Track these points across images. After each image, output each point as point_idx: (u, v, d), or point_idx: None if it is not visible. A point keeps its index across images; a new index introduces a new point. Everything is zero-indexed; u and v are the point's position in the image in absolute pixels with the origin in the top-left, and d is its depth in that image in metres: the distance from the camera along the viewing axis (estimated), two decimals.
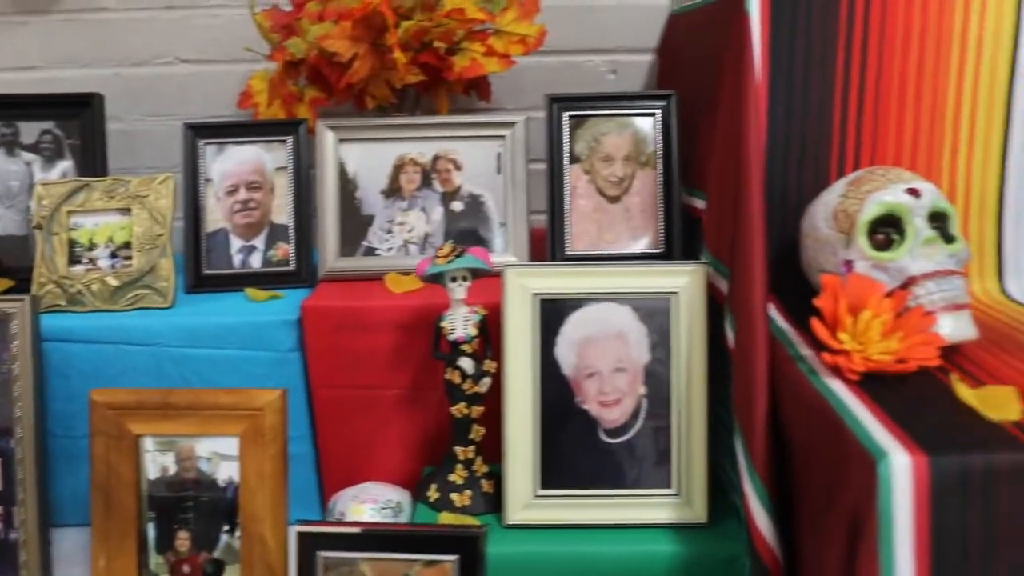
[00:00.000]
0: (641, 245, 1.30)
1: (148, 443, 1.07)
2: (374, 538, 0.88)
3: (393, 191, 1.32)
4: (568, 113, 1.30)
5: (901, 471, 0.70)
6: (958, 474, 0.70)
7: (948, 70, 1.09)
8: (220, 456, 1.08)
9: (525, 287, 1.10)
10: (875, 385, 0.83)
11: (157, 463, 1.08)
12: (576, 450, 1.11)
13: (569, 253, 1.29)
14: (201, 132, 1.35)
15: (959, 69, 1.09)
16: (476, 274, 1.11)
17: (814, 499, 0.85)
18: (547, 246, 1.30)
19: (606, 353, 1.11)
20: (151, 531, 1.07)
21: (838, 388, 0.83)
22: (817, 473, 0.84)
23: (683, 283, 1.10)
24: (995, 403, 0.77)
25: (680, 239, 1.29)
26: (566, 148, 1.30)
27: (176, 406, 1.07)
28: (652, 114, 1.30)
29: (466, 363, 1.10)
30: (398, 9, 1.32)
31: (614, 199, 1.30)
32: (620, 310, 1.11)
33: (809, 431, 0.85)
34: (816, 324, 0.86)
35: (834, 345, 0.86)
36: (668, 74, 1.48)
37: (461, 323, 1.10)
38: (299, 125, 1.37)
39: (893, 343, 0.86)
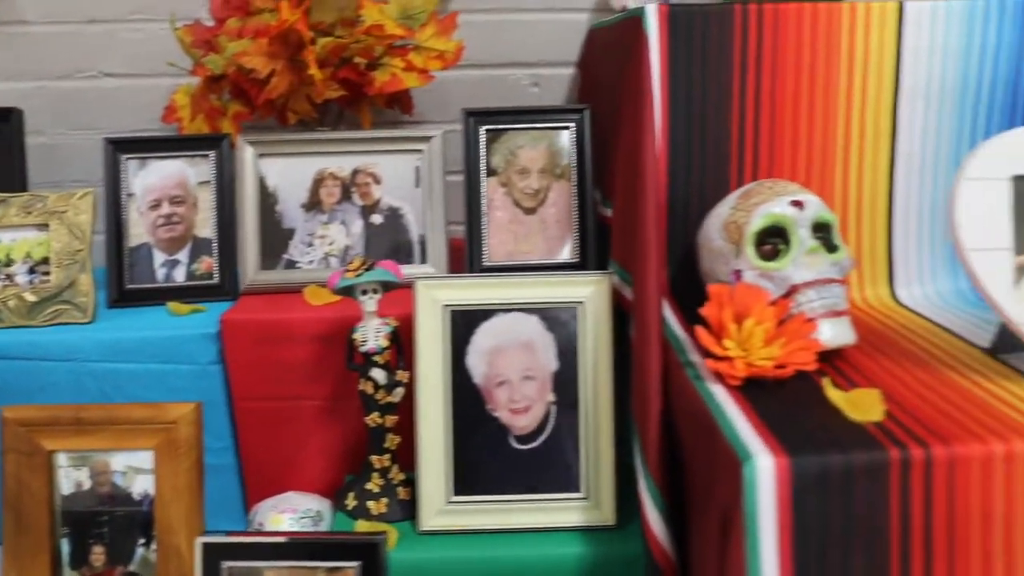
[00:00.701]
0: (557, 255, 1.33)
1: (61, 459, 1.08)
2: (277, 547, 0.90)
3: (313, 205, 1.34)
4: (484, 127, 1.34)
5: (765, 471, 0.74)
6: (817, 474, 0.74)
7: (837, 87, 1.14)
8: (135, 470, 1.09)
9: (435, 299, 1.13)
10: (755, 390, 0.87)
11: (71, 479, 1.08)
12: (487, 457, 1.14)
13: (486, 264, 1.32)
14: (122, 147, 1.36)
15: (847, 86, 1.14)
16: (387, 287, 1.13)
17: (698, 499, 0.88)
18: (465, 257, 1.33)
19: (515, 362, 1.14)
20: (65, 547, 1.08)
21: (718, 393, 0.87)
22: (699, 475, 0.88)
23: (589, 293, 1.13)
24: (861, 405, 0.82)
25: (595, 249, 1.32)
26: (483, 161, 1.33)
27: (89, 421, 1.08)
28: (567, 127, 1.34)
29: (378, 374, 1.12)
30: (318, 25, 1.35)
31: (530, 211, 1.34)
32: (528, 320, 1.14)
33: (694, 435, 0.89)
34: (700, 332, 0.90)
35: (718, 352, 0.90)
36: (587, 87, 1.52)
37: (372, 335, 1.12)
38: (222, 140, 1.38)
39: (775, 349, 0.90)
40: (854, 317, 1.10)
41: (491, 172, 1.34)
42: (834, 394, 0.83)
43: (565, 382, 1.14)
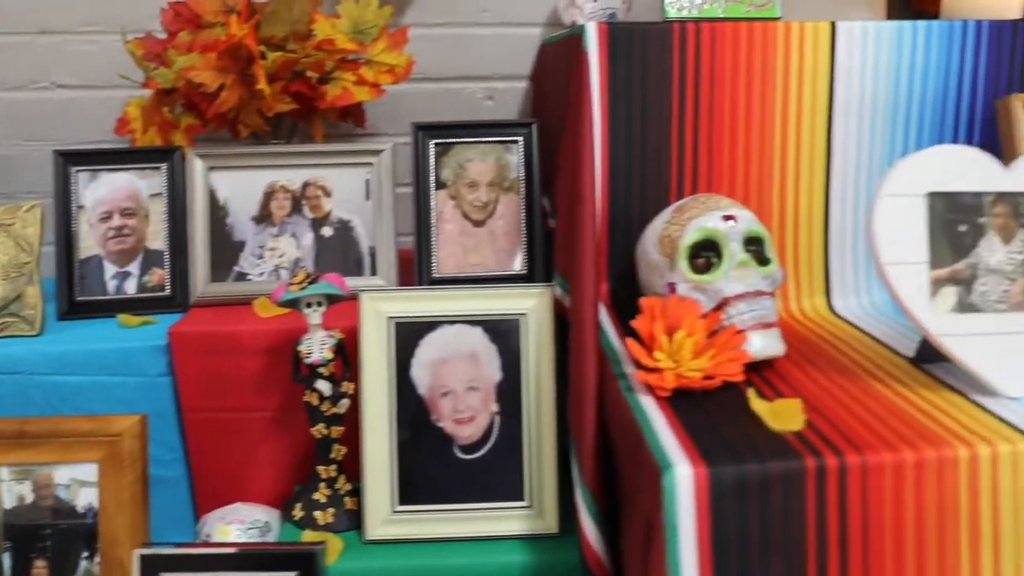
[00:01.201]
0: (506, 267, 1.35)
1: (3, 473, 1.08)
2: (214, 558, 0.91)
3: (264, 217, 1.35)
4: (434, 141, 1.35)
5: (683, 480, 0.76)
6: (735, 483, 0.76)
7: (774, 103, 1.17)
8: (79, 483, 1.10)
9: (380, 311, 1.15)
10: (683, 400, 0.90)
11: (13, 492, 1.09)
12: (432, 466, 1.15)
13: (436, 276, 1.34)
14: (72, 159, 1.36)
15: (783, 102, 1.18)
16: (332, 299, 1.15)
17: (627, 508, 0.91)
18: (414, 269, 1.34)
19: (459, 373, 1.16)
20: (6, 561, 1.08)
21: (647, 404, 0.89)
22: (629, 484, 0.90)
23: (531, 305, 1.15)
24: (782, 415, 0.84)
25: (543, 261, 1.34)
26: (432, 174, 1.35)
27: (32, 434, 1.08)
28: (515, 141, 1.36)
29: (323, 385, 1.13)
30: (270, 39, 1.36)
31: (479, 223, 1.36)
32: (472, 332, 1.16)
33: (624, 444, 0.91)
34: (632, 344, 0.93)
35: (649, 363, 0.92)
36: (539, 101, 1.55)
37: (317, 347, 1.13)
38: (174, 152, 1.39)
39: (704, 361, 0.92)
40: (790, 328, 1.13)
41: (440, 185, 1.36)
42: (757, 405, 0.85)
43: (509, 392, 1.16)
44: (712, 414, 0.87)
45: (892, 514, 0.79)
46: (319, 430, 1.15)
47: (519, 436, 1.15)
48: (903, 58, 1.18)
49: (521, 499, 1.15)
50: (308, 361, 1.13)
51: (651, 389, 0.91)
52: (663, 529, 0.76)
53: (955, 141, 1.21)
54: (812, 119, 1.18)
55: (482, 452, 1.16)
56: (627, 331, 1.08)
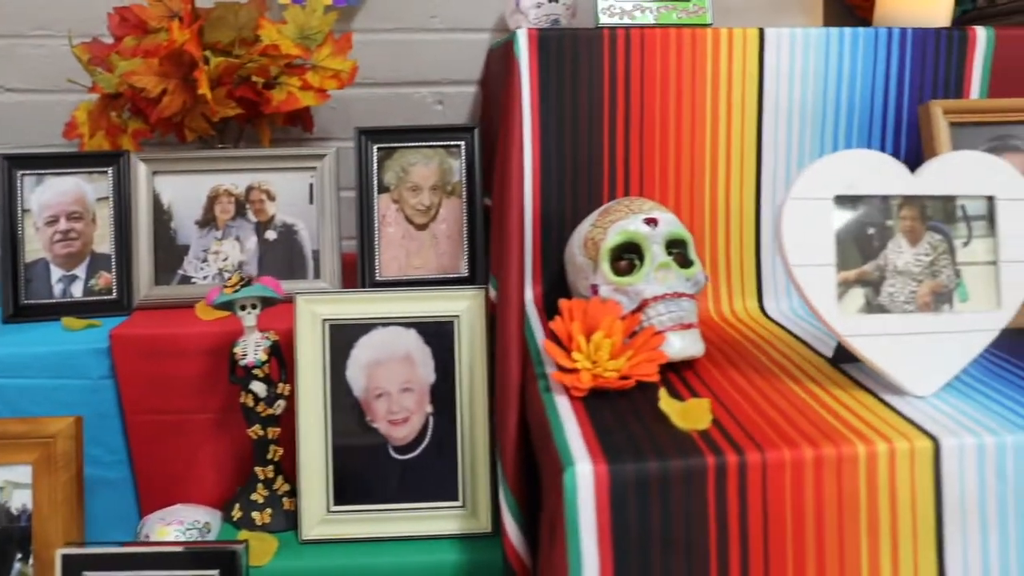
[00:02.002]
0: (448, 270, 1.37)
1: None
2: (136, 557, 0.92)
3: (208, 221, 1.36)
4: (377, 145, 1.37)
5: (584, 477, 0.77)
6: (635, 480, 0.78)
7: (704, 107, 1.20)
8: (13, 484, 1.10)
9: (315, 313, 1.16)
10: (597, 401, 0.91)
11: None
12: (368, 467, 1.17)
13: (379, 279, 1.35)
14: (18, 163, 1.37)
15: (713, 107, 1.20)
16: (267, 302, 1.16)
17: (543, 508, 0.92)
18: (357, 273, 1.36)
19: (394, 374, 1.17)
20: None
21: (561, 404, 0.91)
22: (543, 483, 0.91)
23: (464, 307, 1.17)
24: (690, 415, 0.86)
25: (484, 264, 1.36)
26: (375, 178, 1.36)
27: None
28: (457, 145, 1.38)
29: (258, 387, 1.15)
30: (215, 44, 1.38)
31: (422, 227, 1.37)
32: (406, 333, 1.17)
33: (539, 444, 0.93)
34: (548, 345, 0.94)
35: (567, 364, 0.94)
36: (486, 106, 1.56)
37: (252, 349, 1.14)
38: (120, 156, 1.40)
39: (621, 362, 0.94)
40: (719, 329, 1.15)
41: (383, 189, 1.37)
42: (666, 405, 0.87)
43: (443, 393, 1.17)
44: (623, 414, 0.88)
45: (793, 510, 0.80)
46: (255, 431, 1.16)
47: (453, 436, 1.17)
48: (831, 64, 1.21)
49: (455, 499, 1.16)
50: (243, 363, 1.15)
51: (567, 389, 0.92)
52: (565, 526, 0.77)
53: (883, 146, 1.23)
54: (742, 124, 1.20)
55: (416, 452, 1.17)
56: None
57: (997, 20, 1.36)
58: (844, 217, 0.91)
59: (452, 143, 1.38)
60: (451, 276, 1.36)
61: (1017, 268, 0.95)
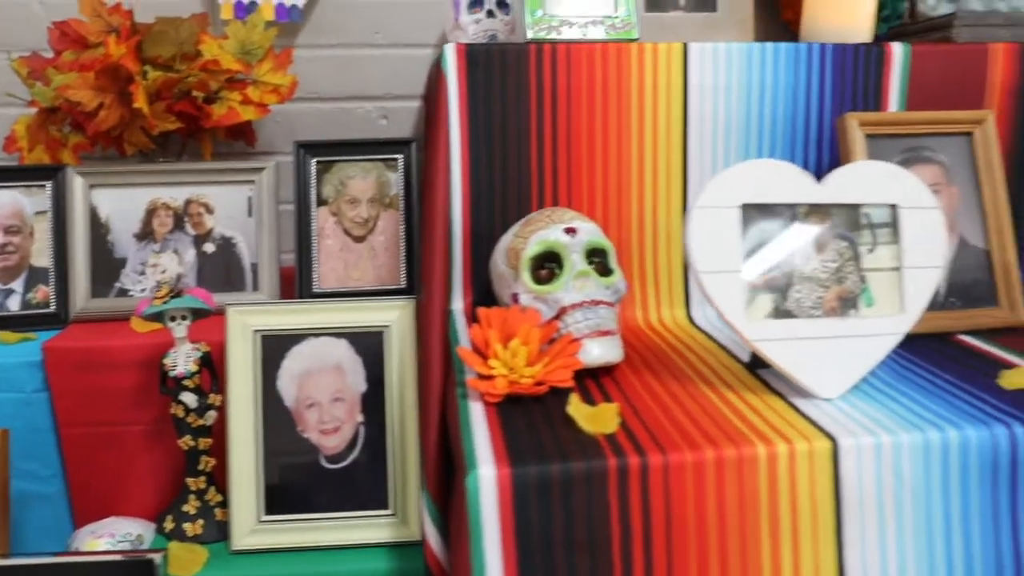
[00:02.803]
0: (385, 281, 1.38)
1: None
2: (48, 568, 0.92)
3: (146, 234, 1.37)
4: (315, 159, 1.39)
5: (487, 481, 0.79)
6: (538, 482, 0.80)
7: (629, 121, 1.22)
8: None
9: (246, 324, 1.17)
10: (512, 406, 0.93)
11: None
12: (298, 476, 1.18)
13: (316, 290, 1.37)
14: None
15: (639, 120, 1.22)
16: (199, 314, 1.17)
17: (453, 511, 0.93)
18: (295, 284, 1.37)
19: (325, 384, 1.18)
20: None
21: (475, 410, 0.92)
22: (455, 487, 0.93)
23: (394, 317, 1.18)
24: (598, 419, 0.88)
25: (420, 274, 1.37)
26: (313, 191, 1.38)
27: None
28: (395, 159, 1.40)
29: (188, 398, 1.15)
30: (156, 59, 1.39)
31: (360, 239, 1.39)
32: (337, 344, 1.19)
33: (455, 450, 0.94)
34: (464, 352, 0.96)
35: (483, 371, 0.95)
36: (427, 120, 1.59)
37: (183, 360, 1.15)
38: (58, 171, 1.40)
39: (538, 368, 0.96)
40: (645, 337, 1.17)
41: (322, 202, 1.39)
42: (574, 410, 0.89)
43: (373, 403, 1.18)
44: (535, 419, 0.90)
45: (695, 510, 0.82)
46: (186, 442, 1.17)
47: (383, 445, 1.18)
48: (753, 78, 1.24)
49: (386, 507, 1.17)
50: (173, 374, 1.15)
51: (483, 395, 0.94)
52: (468, 528, 0.79)
53: (806, 157, 1.27)
54: (668, 137, 1.23)
55: (347, 462, 1.18)
56: None
57: (918, 36, 1.40)
58: (751, 225, 0.94)
59: (390, 156, 1.40)
60: (389, 287, 1.38)
61: (920, 274, 0.98)
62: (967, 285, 1.18)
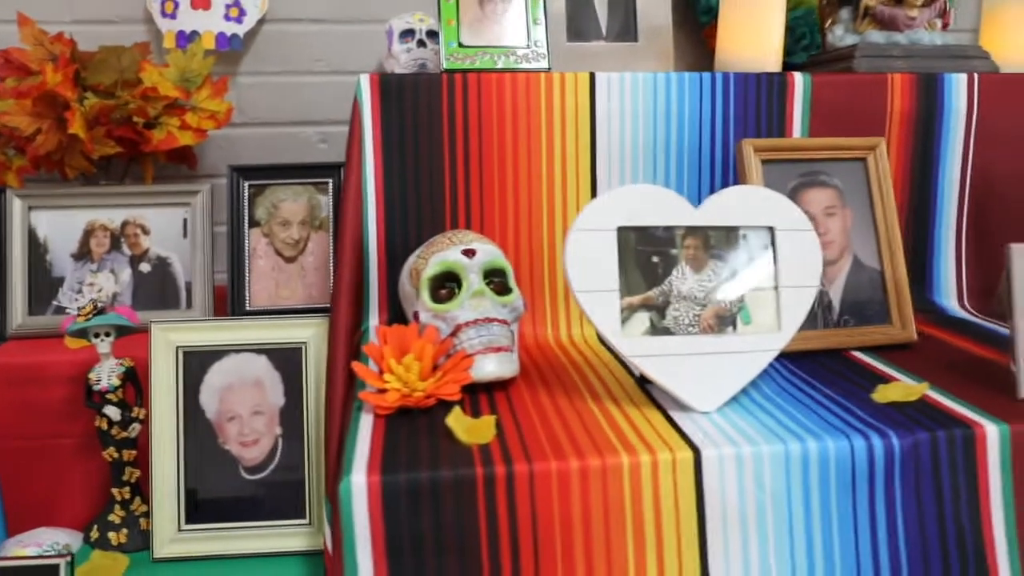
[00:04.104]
0: (315, 300, 1.43)
1: None
2: None
3: (83, 254, 1.42)
4: (248, 182, 1.44)
5: (359, 487, 0.84)
6: (407, 490, 0.84)
7: (539, 147, 1.28)
8: None
9: (169, 340, 1.22)
10: (402, 419, 0.98)
11: None
12: (219, 487, 1.22)
13: (248, 309, 1.42)
14: None
15: (548, 146, 1.28)
16: (123, 331, 1.22)
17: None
18: (228, 303, 1.42)
19: (245, 398, 1.23)
20: None
21: (365, 422, 0.97)
22: None
23: (311, 334, 1.23)
24: (476, 430, 0.92)
25: None
26: (246, 213, 1.44)
27: None
28: (325, 182, 1.45)
29: (111, 411, 1.20)
30: (97, 86, 1.45)
31: (291, 259, 1.44)
32: (257, 359, 1.24)
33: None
34: (358, 367, 1.01)
35: (376, 384, 1.00)
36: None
37: (106, 375, 1.20)
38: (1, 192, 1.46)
39: (430, 383, 1.01)
40: (551, 353, 1.22)
41: (255, 223, 1.44)
42: (453, 422, 0.93)
43: (291, 416, 1.23)
44: (419, 431, 0.95)
45: (560, 518, 0.87)
46: (110, 453, 1.22)
47: (301, 457, 1.23)
48: (659, 106, 1.30)
49: (302, 517, 1.22)
50: (97, 388, 1.20)
51: (375, 408, 0.99)
52: (341, 534, 0.84)
53: (712, 183, 1.32)
54: (576, 163, 1.29)
55: (266, 472, 1.23)
56: None
57: (827, 65, 1.46)
58: (628, 246, 0.99)
59: (320, 180, 1.46)
60: (318, 305, 1.43)
61: (796, 293, 1.03)
62: (860, 303, 1.23)
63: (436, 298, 1.09)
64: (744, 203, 1.04)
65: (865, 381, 1.09)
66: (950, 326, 1.31)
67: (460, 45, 1.30)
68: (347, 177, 1.21)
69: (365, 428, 0.95)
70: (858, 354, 1.20)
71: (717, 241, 1.03)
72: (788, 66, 1.60)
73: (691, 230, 1.02)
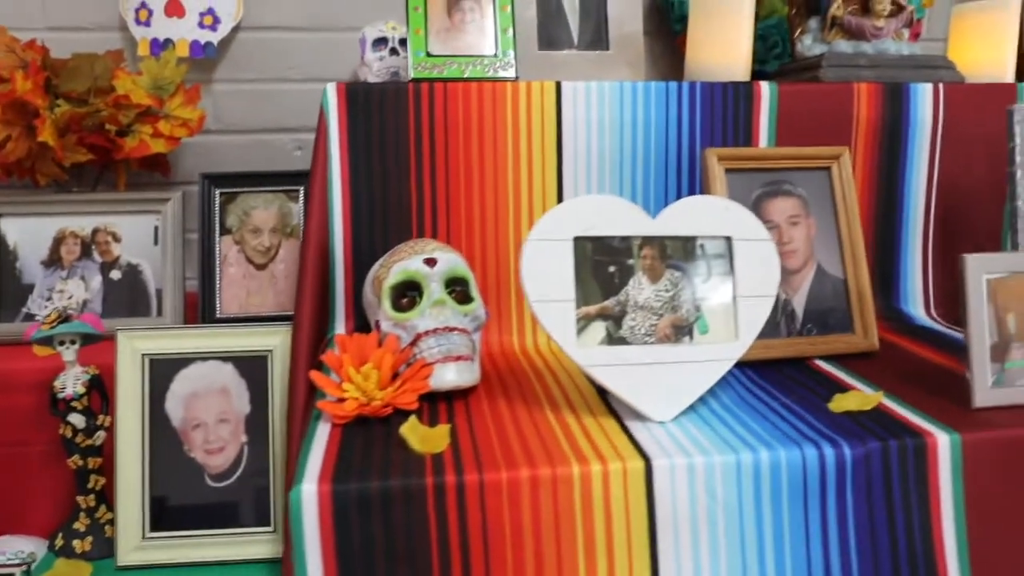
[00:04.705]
0: (285, 308, 1.44)
1: None
2: None
3: (53, 261, 1.43)
4: (220, 190, 1.45)
5: (309, 496, 0.84)
6: (358, 498, 0.85)
7: (506, 156, 1.29)
8: None
9: (135, 348, 1.23)
10: (360, 427, 0.98)
11: None
12: (184, 494, 1.22)
13: (219, 316, 1.42)
14: None
15: (514, 154, 1.29)
16: (88, 338, 1.22)
17: None
18: (199, 310, 1.43)
19: (211, 406, 1.23)
20: None
21: (323, 430, 0.97)
22: None
23: (277, 342, 1.24)
24: (430, 440, 0.93)
25: None
26: (217, 221, 1.44)
27: None
28: (296, 190, 1.46)
29: (76, 419, 1.20)
30: (70, 93, 1.45)
31: (261, 267, 1.45)
32: (223, 367, 1.24)
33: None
34: (316, 376, 1.01)
35: (336, 394, 1.01)
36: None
37: (71, 382, 1.21)
38: None
39: (389, 391, 1.01)
40: (516, 362, 1.23)
41: (226, 231, 1.45)
42: (407, 431, 0.94)
43: (257, 424, 1.24)
44: (375, 439, 0.95)
45: (511, 526, 0.87)
46: (75, 461, 1.22)
47: (266, 465, 1.23)
48: (625, 115, 1.30)
49: (268, 524, 1.22)
50: (61, 396, 1.21)
51: (332, 417, 0.99)
52: (292, 542, 0.84)
53: (679, 191, 1.33)
54: (543, 171, 1.29)
55: (231, 480, 1.23)
56: None
57: (796, 75, 1.47)
58: (584, 256, 1.00)
59: (292, 188, 1.46)
60: (288, 313, 1.42)
61: (753, 303, 1.04)
62: (824, 312, 1.24)
63: (397, 307, 1.10)
64: (702, 213, 1.04)
65: (824, 390, 1.09)
66: (915, 335, 1.32)
67: (428, 54, 1.31)
68: (312, 186, 1.21)
69: (321, 437, 0.96)
70: (820, 363, 1.21)
71: (674, 251, 1.03)
72: (761, 75, 1.61)
73: (648, 240, 1.02)
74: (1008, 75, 1.48)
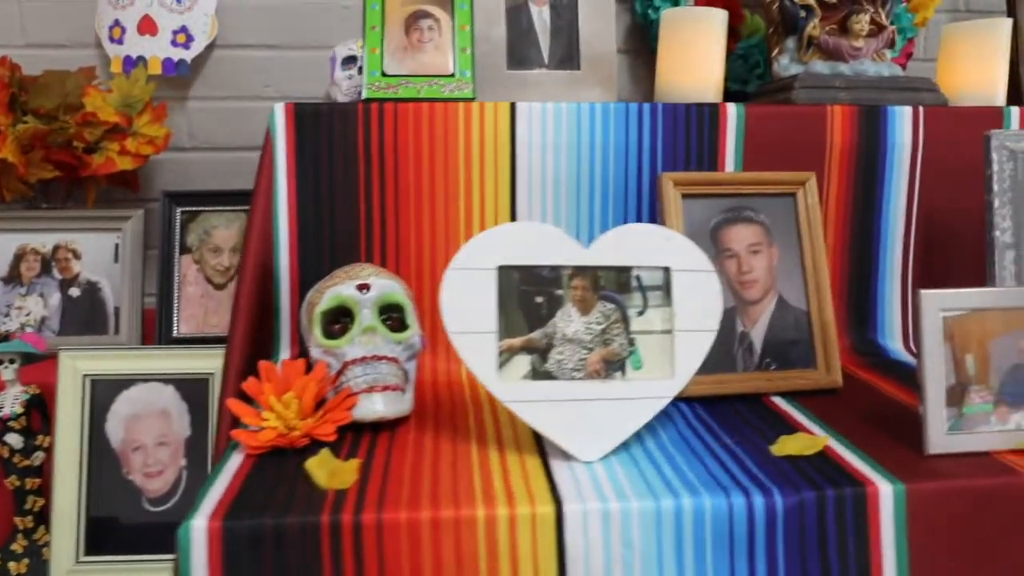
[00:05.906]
0: None
1: None
2: None
3: (13, 278, 1.43)
4: (181, 208, 1.44)
5: (198, 533, 0.81)
6: (249, 536, 0.81)
7: (457, 176, 1.25)
8: None
9: (76, 368, 1.21)
10: (276, 458, 0.95)
11: None
12: (121, 518, 1.21)
13: (176, 335, 1.41)
14: None
15: (466, 176, 1.25)
16: (30, 358, 1.21)
17: None
18: (155, 329, 1.41)
19: (151, 428, 1.22)
20: None
21: (234, 460, 0.94)
22: None
23: (219, 365, 1.21)
24: (337, 475, 0.89)
25: None
26: (177, 239, 1.43)
27: None
28: None
29: (13, 439, 1.20)
30: (39, 110, 1.46)
31: (220, 287, 1.43)
32: (165, 389, 1.22)
33: None
34: (232, 403, 0.98)
35: (254, 422, 0.98)
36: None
37: (10, 402, 1.20)
38: None
39: (310, 421, 0.98)
40: (460, 392, 1.19)
41: (186, 250, 1.44)
42: (313, 465, 0.90)
43: (197, 448, 1.22)
44: (286, 472, 0.92)
45: (410, 570, 0.83)
46: (12, 482, 1.21)
47: None
48: (583, 137, 1.26)
49: None
50: None
51: (245, 447, 0.96)
52: None
53: (638, 215, 1.28)
54: (495, 194, 1.26)
55: (169, 504, 1.21)
56: None
57: (771, 96, 1.41)
58: (509, 286, 0.96)
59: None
60: None
61: (692, 337, 0.99)
62: (784, 346, 1.18)
63: (328, 333, 1.07)
64: (639, 242, 0.99)
65: (772, 432, 1.03)
66: (887, 369, 1.25)
67: (383, 74, 1.28)
68: (253, 207, 1.19)
69: (231, 468, 0.92)
70: (777, 400, 1.14)
71: (607, 282, 0.99)
72: (741, 96, 1.56)
73: (579, 270, 0.98)
74: (999, 97, 1.40)
